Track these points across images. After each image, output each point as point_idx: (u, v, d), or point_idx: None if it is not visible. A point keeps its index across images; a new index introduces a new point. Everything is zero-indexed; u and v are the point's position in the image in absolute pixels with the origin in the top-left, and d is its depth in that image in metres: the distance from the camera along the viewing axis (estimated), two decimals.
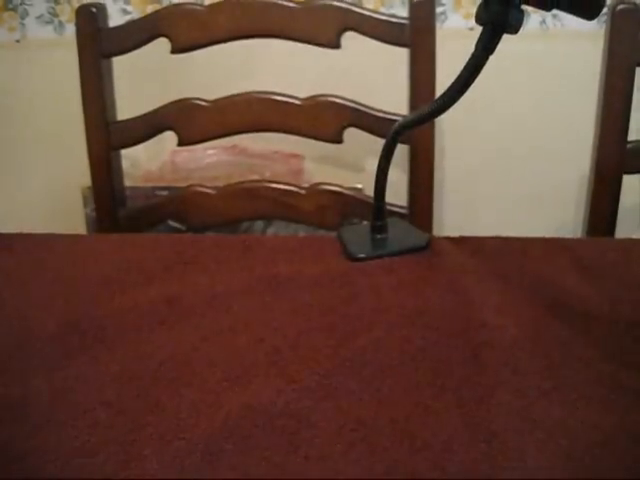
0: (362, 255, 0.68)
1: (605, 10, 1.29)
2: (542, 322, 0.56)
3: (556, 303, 0.60)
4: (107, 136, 1.04)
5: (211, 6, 1.02)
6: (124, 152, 1.08)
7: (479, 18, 0.51)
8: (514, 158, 1.64)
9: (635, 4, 0.97)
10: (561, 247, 0.73)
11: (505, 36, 0.52)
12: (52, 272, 0.70)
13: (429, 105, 0.56)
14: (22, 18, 1.64)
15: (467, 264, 0.67)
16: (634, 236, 0.98)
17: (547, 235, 0.74)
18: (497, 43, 0.51)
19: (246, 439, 0.42)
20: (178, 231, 1.13)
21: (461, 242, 0.72)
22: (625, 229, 1.06)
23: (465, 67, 0.53)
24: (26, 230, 0.81)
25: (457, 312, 0.58)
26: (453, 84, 0.54)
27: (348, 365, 0.50)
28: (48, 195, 1.78)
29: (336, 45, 0.98)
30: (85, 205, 1.61)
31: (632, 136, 1.00)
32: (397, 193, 0.99)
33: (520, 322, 0.56)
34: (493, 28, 0.50)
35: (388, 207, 0.74)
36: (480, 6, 0.51)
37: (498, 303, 0.59)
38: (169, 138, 1.06)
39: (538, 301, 0.60)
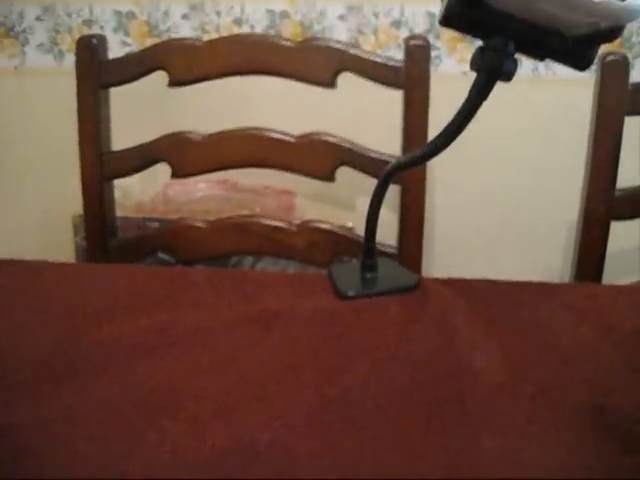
0: (352, 293, 0.68)
1: (595, 60, 1.31)
2: (529, 365, 0.57)
3: (543, 347, 0.60)
4: (101, 166, 1.05)
5: (209, 42, 1.03)
6: (116, 182, 1.09)
7: (474, 64, 0.52)
8: (504, 202, 1.65)
9: (624, 55, 0.99)
10: (549, 291, 0.73)
11: (498, 83, 0.53)
12: (41, 300, 0.70)
13: (422, 148, 0.57)
14: (23, 45, 1.66)
15: (455, 306, 0.67)
16: (621, 282, 0.99)
17: (535, 279, 0.75)
18: (491, 89, 0.52)
19: (230, 474, 0.42)
20: (168, 263, 1.12)
21: (449, 284, 0.73)
22: (613, 275, 1.07)
23: (458, 112, 0.54)
24: (16, 255, 0.80)
25: (444, 353, 0.58)
26: (446, 128, 0.55)
27: (334, 403, 0.50)
28: (39, 221, 1.77)
29: (332, 85, 0.99)
30: (75, 233, 1.61)
31: (621, 183, 1.01)
32: (387, 233, 1.00)
33: (507, 365, 0.56)
34: (487, 75, 0.51)
35: (378, 247, 0.74)
36: (476, 53, 0.51)
37: (485, 345, 0.59)
38: (162, 170, 1.06)
39: (525, 344, 0.60)
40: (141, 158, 1.05)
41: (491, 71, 0.51)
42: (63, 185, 1.42)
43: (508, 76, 0.51)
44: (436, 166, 1.53)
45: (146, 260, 1.10)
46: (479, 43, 0.53)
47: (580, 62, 0.48)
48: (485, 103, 0.54)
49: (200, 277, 0.76)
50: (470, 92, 0.53)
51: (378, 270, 0.73)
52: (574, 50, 0.47)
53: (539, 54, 0.49)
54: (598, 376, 0.55)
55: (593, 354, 0.59)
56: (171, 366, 0.56)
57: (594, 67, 1.04)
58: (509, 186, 1.64)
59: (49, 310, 0.67)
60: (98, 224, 1.06)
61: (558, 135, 1.57)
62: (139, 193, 1.51)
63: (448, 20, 0.47)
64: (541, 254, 1.65)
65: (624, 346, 0.61)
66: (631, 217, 1.03)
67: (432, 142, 0.56)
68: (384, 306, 0.67)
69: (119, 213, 1.12)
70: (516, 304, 0.69)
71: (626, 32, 1.48)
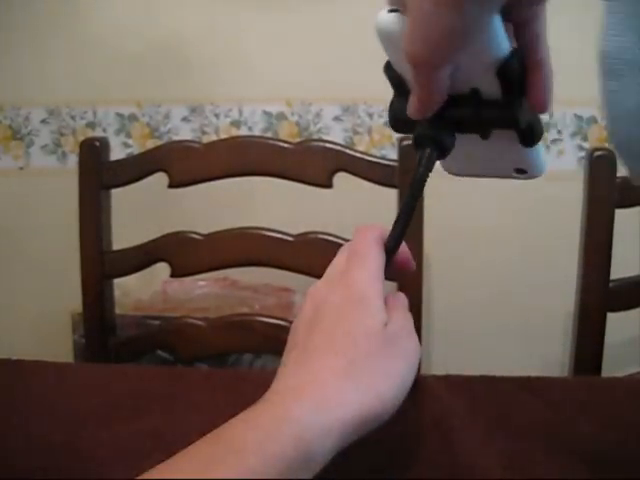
0: None
1: (583, 154, 1.35)
2: (528, 464, 0.56)
3: (543, 445, 0.59)
4: (101, 265, 1.06)
5: (208, 144, 1.07)
6: (116, 280, 1.10)
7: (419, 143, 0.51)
8: (501, 295, 1.66)
9: (611, 150, 1.01)
10: (548, 386, 0.73)
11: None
12: (36, 401, 0.69)
13: (388, 239, 0.56)
14: (28, 147, 1.71)
15: (453, 404, 0.67)
16: (621, 373, 0.99)
17: (534, 371, 0.75)
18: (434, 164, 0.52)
19: None
20: (167, 361, 1.12)
21: (447, 380, 0.73)
22: (612, 365, 1.06)
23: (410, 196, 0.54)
24: (13, 351, 0.80)
25: (442, 453, 0.57)
26: (402, 212, 0.55)
27: None
28: (38, 318, 1.78)
29: (328, 185, 1.02)
30: (74, 331, 1.61)
31: (618, 274, 1.02)
32: None
33: (507, 464, 0.56)
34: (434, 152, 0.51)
35: None
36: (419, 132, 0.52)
37: (483, 445, 0.59)
38: (161, 267, 1.07)
39: (524, 443, 0.60)
40: (141, 257, 1.06)
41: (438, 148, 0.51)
42: (62, 282, 1.44)
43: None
44: (433, 261, 1.55)
45: (145, 358, 1.10)
46: None
47: (528, 138, 0.50)
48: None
49: (198, 377, 0.76)
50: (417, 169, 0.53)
51: None
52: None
53: (480, 129, 0.50)
54: (600, 472, 0.55)
55: (595, 451, 0.59)
56: None
57: (582, 162, 1.07)
58: (506, 277, 1.65)
59: (45, 412, 0.67)
60: (97, 322, 1.07)
61: (552, 226, 1.59)
62: (138, 291, 1.52)
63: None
64: (540, 344, 1.64)
65: (625, 441, 0.61)
66: (627, 308, 1.03)
67: (394, 230, 0.56)
68: None
69: (118, 311, 1.12)
70: (515, 401, 0.69)
71: None
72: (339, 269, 0.50)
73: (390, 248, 0.53)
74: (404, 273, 0.56)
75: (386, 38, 0.46)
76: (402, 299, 0.53)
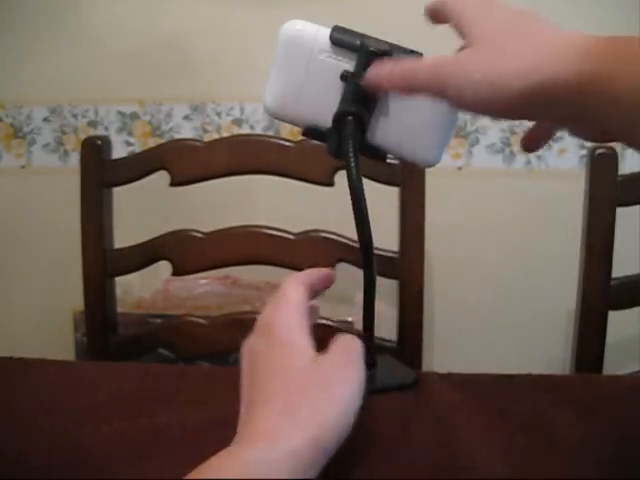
0: None
1: (585, 153, 1.35)
2: (530, 461, 0.56)
3: (545, 442, 0.59)
4: (103, 263, 1.06)
5: (210, 143, 1.07)
6: (117, 278, 1.10)
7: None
8: (503, 293, 1.66)
9: (612, 148, 1.01)
10: (549, 384, 0.73)
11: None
12: (38, 399, 0.69)
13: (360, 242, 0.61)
14: (30, 146, 1.71)
15: (455, 401, 0.67)
16: (623, 371, 0.98)
17: (536, 369, 0.75)
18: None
19: None
20: (168, 359, 1.12)
21: (449, 378, 0.73)
22: (614, 363, 1.06)
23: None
24: (15, 349, 0.81)
25: (443, 450, 0.58)
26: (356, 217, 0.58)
27: None
28: (40, 316, 1.78)
29: (330, 183, 1.02)
30: (76, 329, 1.61)
31: (620, 272, 1.02)
32: (388, 326, 1.00)
33: (507, 461, 0.56)
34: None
35: (378, 341, 0.74)
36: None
37: (485, 441, 0.59)
38: (163, 266, 1.07)
39: (526, 440, 0.60)
40: (143, 256, 1.06)
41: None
42: (64, 281, 1.44)
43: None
44: (435, 260, 1.55)
45: (147, 356, 1.10)
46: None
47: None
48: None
49: (200, 375, 0.76)
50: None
51: (377, 367, 0.73)
52: None
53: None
54: (602, 470, 0.55)
55: (594, 449, 0.59)
56: (170, 467, 0.55)
57: (584, 160, 1.07)
58: (507, 275, 1.65)
59: (48, 409, 0.67)
60: (99, 320, 1.07)
61: (554, 225, 1.59)
62: (140, 289, 1.52)
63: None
64: (541, 342, 1.64)
65: (626, 440, 0.61)
66: (628, 306, 1.03)
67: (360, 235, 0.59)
68: (382, 403, 0.66)
69: (120, 309, 1.12)
70: (516, 399, 0.69)
71: None
72: (264, 318, 0.53)
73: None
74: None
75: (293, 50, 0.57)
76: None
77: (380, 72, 0.50)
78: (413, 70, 0.47)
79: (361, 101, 0.55)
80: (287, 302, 0.53)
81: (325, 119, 0.56)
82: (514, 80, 0.42)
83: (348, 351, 0.51)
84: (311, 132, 0.58)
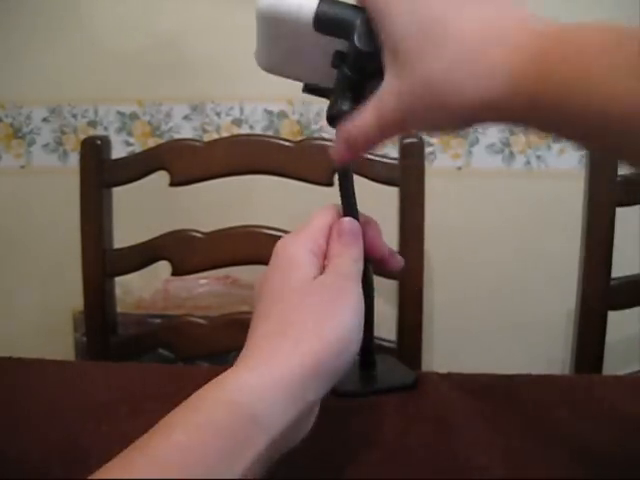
0: (349, 391, 0.68)
1: (584, 153, 1.35)
2: (530, 461, 0.56)
3: (544, 442, 0.59)
4: (103, 263, 1.06)
5: (209, 143, 1.07)
6: (117, 278, 1.10)
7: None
8: (502, 293, 1.66)
9: None
10: (549, 384, 0.73)
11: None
12: (38, 399, 0.69)
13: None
14: (29, 146, 1.71)
15: (455, 401, 0.67)
16: (622, 371, 0.98)
17: (536, 370, 0.75)
18: None
19: None
20: (168, 359, 1.12)
21: (449, 378, 0.73)
22: (613, 363, 1.06)
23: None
24: (15, 350, 0.81)
25: (443, 451, 0.58)
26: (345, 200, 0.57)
27: None
28: (39, 317, 1.78)
29: (329, 183, 1.02)
30: (75, 329, 1.61)
31: (620, 272, 1.02)
32: (387, 327, 1.00)
33: (507, 461, 0.56)
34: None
35: (377, 341, 0.74)
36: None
37: (485, 442, 0.59)
38: (162, 266, 1.07)
39: (526, 440, 0.60)
40: (143, 256, 1.06)
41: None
42: (63, 281, 1.44)
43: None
44: (434, 260, 1.55)
45: (146, 356, 1.10)
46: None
47: None
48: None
49: (200, 375, 0.76)
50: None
51: (377, 367, 0.73)
52: None
53: None
54: (603, 470, 0.55)
55: (594, 449, 0.59)
56: None
57: (583, 159, 1.07)
58: (507, 278, 1.65)
59: (47, 409, 0.67)
60: (99, 320, 1.07)
61: (554, 225, 1.59)
62: (139, 289, 1.52)
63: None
64: (541, 342, 1.64)
65: (625, 439, 0.61)
66: (628, 306, 1.03)
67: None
68: (382, 404, 0.66)
69: (119, 309, 1.12)
70: (516, 399, 0.69)
71: None
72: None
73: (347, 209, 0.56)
74: (392, 270, 0.58)
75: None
76: (348, 239, 0.52)
77: (339, 153, 0.50)
78: (364, 137, 0.47)
79: (356, 89, 0.50)
80: (304, 227, 0.53)
81: (323, 78, 0.52)
82: (459, 110, 0.41)
83: (350, 262, 0.50)
84: (311, 90, 0.55)
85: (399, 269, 0.58)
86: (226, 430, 0.37)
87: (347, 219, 0.54)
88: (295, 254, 0.50)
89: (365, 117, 0.46)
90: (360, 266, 0.51)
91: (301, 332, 0.43)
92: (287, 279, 0.48)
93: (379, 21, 0.44)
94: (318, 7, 0.48)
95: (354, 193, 0.57)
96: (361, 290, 0.48)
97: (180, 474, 0.35)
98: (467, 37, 0.40)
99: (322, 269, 0.49)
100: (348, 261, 0.50)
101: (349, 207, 0.56)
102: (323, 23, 0.48)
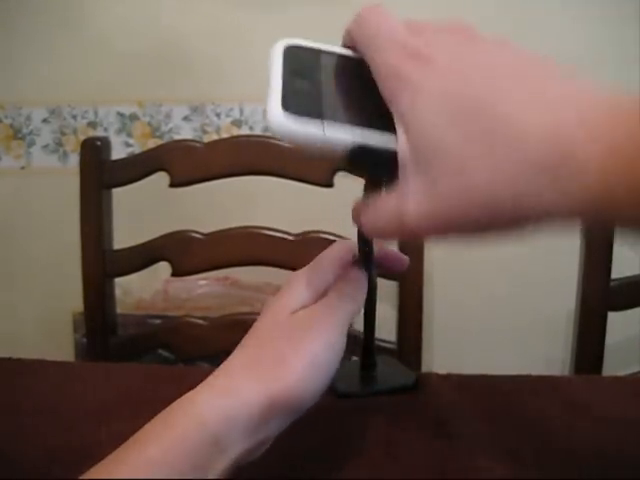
0: (349, 392, 0.68)
1: None
2: (530, 463, 0.56)
3: (545, 443, 0.59)
4: (102, 264, 1.06)
5: (209, 144, 1.07)
6: (117, 279, 1.10)
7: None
8: (502, 294, 1.66)
9: None
10: (549, 385, 0.73)
11: None
12: (37, 400, 0.69)
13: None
14: (29, 147, 1.71)
15: (455, 403, 0.67)
16: (622, 372, 0.98)
17: (535, 371, 0.75)
18: None
19: None
20: (168, 360, 1.12)
21: (449, 379, 0.73)
22: (613, 365, 1.06)
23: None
24: (15, 351, 0.80)
25: (442, 452, 0.58)
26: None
27: None
28: (39, 317, 1.78)
29: (329, 184, 1.02)
30: (75, 330, 1.61)
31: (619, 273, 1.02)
32: (387, 327, 1.00)
33: (507, 462, 0.56)
34: None
35: (377, 342, 0.74)
36: None
37: (485, 442, 0.59)
38: (162, 267, 1.07)
39: (526, 442, 0.60)
40: (143, 256, 1.06)
41: None
42: (63, 282, 1.44)
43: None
44: (434, 261, 1.55)
45: (146, 357, 1.10)
46: None
47: None
48: None
49: (200, 376, 0.76)
50: None
51: (377, 368, 0.73)
52: None
53: None
54: (604, 472, 0.55)
55: (595, 451, 0.59)
56: None
57: None
58: (507, 276, 1.65)
59: (47, 410, 0.67)
60: (98, 321, 1.07)
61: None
62: (139, 290, 1.52)
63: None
64: (541, 343, 1.64)
65: (625, 441, 0.61)
66: (628, 307, 1.03)
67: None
68: (382, 405, 0.66)
69: (119, 310, 1.12)
70: (516, 400, 0.69)
71: None
72: None
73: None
74: (397, 270, 0.58)
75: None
76: (351, 280, 0.51)
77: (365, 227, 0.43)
78: (382, 230, 0.40)
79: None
80: (316, 259, 0.52)
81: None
82: (524, 222, 0.34)
83: (330, 307, 0.47)
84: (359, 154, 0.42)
85: (404, 269, 0.58)
86: (195, 448, 0.38)
87: (357, 269, 0.53)
88: (289, 284, 0.49)
89: (383, 218, 0.39)
90: (349, 306, 0.49)
91: (262, 372, 0.43)
92: (270, 310, 0.48)
93: (394, 100, 0.36)
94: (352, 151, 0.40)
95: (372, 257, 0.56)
96: (339, 319, 0.47)
97: None
98: (538, 134, 0.31)
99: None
100: (335, 294, 0.49)
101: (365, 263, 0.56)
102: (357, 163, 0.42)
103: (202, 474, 0.38)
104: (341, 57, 0.44)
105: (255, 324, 0.48)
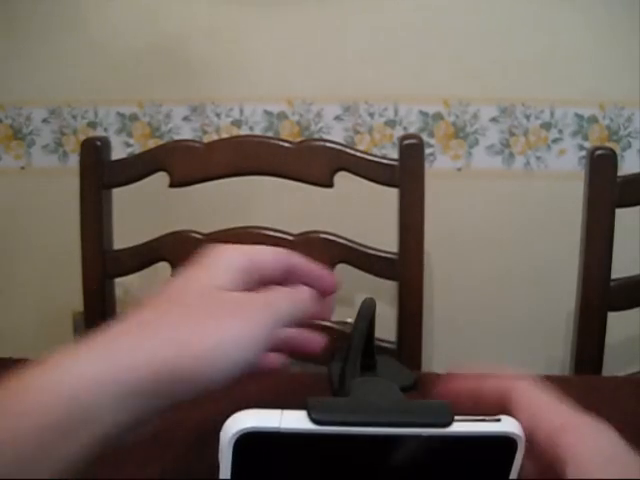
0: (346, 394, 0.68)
1: (584, 154, 1.35)
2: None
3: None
4: (103, 264, 1.06)
5: (209, 144, 1.07)
6: (117, 279, 1.10)
7: None
8: (502, 294, 1.66)
9: (611, 149, 1.01)
10: (548, 385, 0.73)
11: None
12: None
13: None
14: (29, 147, 1.71)
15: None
16: (622, 372, 0.98)
17: (536, 370, 0.75)
18: None
19: None
20: None
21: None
22: (613, 365, 1.06)
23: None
24: (13, 348, 0.80)
25: None
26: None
27: None
28: (39, 317, 1.78)
29: (329, 184, 1.02)
30: (75, 330, 1.61)
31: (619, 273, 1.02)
32: (387, 327, 1.00)
33: None
34: None
35: (377, 342, 0.74)
36: None
37: None
38: (162, 267, 1.07)
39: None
40: (143, 257, 1.06)
41: None
42: (63, 282, 1.44)
43: None
44: (435, 260, 1.55)
45: None
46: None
47: None
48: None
49: None
50: None
51: (377, 369, 0.73)
52: None
53: None
54: None
55: None
56: (169, 469, 0.55)
57: (583, 160, 1.07)
58: (507, 276, 1.65)
59: None
60: (99, 321, 1.06)
61: (554, 225, 1.59)
62: (139, 290, 1.51)
63: None
64: (541, 343, 1.64)
65: (625, 440, 0.61)
66: (628, 307, 1.03)
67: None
68: None
69: (119, 310, 1.12)
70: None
71: (614, 125, 1.53)
72: None
73: None
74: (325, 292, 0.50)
75: None
76: (298, 295, 0.46)
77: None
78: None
79: None
80: (254, 248, 0.47)
81: None
82: None
83: (266, 305, 0.43)
84: None
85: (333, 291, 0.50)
86: (60, 418, 0.34)
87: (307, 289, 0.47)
88: (219, 263, 0.45)
89: None
90: (283, 315, 0.43)
91: (170, 337, 0.38)
92: (196, 278, 0.44)
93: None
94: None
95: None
96: (267, 323, 0.42)
97: None
98: None
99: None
100: (275, 293, 0.45)
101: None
102: None
103: (58, 449, 0.34)
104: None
105: (173, 284, 0.44)
